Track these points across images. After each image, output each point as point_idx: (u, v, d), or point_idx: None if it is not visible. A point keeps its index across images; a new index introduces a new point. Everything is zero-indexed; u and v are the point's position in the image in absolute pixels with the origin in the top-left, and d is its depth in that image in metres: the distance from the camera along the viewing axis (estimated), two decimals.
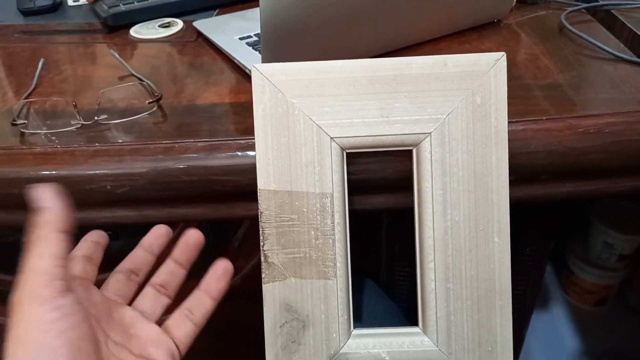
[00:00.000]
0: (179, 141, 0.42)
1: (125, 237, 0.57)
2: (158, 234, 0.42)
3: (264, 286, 0.40)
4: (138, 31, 0.62)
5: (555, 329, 0.95)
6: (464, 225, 0.39)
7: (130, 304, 0.39)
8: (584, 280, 0.96)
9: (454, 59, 0.39)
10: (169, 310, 0.40)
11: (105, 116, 0.45)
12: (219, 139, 0.42)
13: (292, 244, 0.40)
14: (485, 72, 0.38)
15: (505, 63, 0.38)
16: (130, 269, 0.41)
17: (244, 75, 0.51)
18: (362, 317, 0.55)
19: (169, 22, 0.63)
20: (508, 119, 0.40)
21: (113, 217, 0.45)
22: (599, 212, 0.93)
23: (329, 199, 0.40)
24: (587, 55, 0.52)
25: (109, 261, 0.57)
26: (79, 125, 0.44)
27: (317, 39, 0.47)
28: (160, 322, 0.39)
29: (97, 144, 0.42)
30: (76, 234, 0.55)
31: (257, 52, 0.53)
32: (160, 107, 0.47)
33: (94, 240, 0.41)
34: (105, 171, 0.42)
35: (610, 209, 0.92)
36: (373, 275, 0.67)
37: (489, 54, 0.39)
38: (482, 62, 0.38)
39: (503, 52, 0.39)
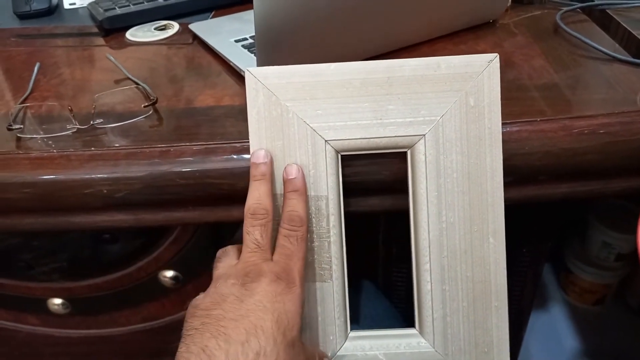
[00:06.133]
0: (175, 145, 0.42)
1: (124, 240, 0.57)
2: None
3: None
4: (134, 34, 0.62)
5: (554, 328, 0.95)
6: (459, 226, 0.39)
7: None
8: (582, 280, 0.95)
9: (447, 60, 0.39)
10: None
11: (101, 120, 0.45)
12: (215, 142, 0.42)
13: None
14: (478, 73, 0.38)
15: (498, 64, 0.39)
16: None
17: (240, 78, 0.51)
18: (359, 318, 0.55)
19: (164, 25, 0.63)
20: (503, 120, 0.40)
21: (110, 221, 0.45)
22: (597, 211, 0.92)
23: (324, 201, 0.40)
24: (582, 55, 0.52)
25: (109, 263, 0.57)
26: (74, 130, 0.44)
27: (312, 41, 0.47)
28: None
29: (92, 148, 0.42)
30: (72, 237, 0.56)
31: (252, 55, 0.53)
32: (156, 110, 0.47)
33: None
34: (101, 175, 0.42)
35: (609, 208, 0.92)
36: (371, 276, 0.67)
37: (482, 55, 0.39)
38: (475, 63, 0.39)
39: (496, 54, 0.39)
